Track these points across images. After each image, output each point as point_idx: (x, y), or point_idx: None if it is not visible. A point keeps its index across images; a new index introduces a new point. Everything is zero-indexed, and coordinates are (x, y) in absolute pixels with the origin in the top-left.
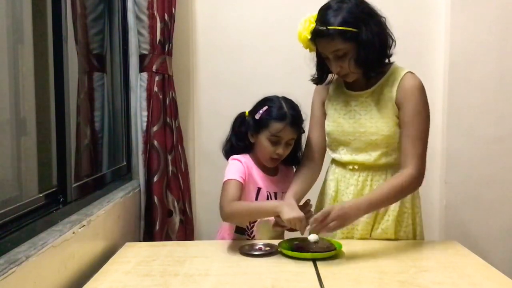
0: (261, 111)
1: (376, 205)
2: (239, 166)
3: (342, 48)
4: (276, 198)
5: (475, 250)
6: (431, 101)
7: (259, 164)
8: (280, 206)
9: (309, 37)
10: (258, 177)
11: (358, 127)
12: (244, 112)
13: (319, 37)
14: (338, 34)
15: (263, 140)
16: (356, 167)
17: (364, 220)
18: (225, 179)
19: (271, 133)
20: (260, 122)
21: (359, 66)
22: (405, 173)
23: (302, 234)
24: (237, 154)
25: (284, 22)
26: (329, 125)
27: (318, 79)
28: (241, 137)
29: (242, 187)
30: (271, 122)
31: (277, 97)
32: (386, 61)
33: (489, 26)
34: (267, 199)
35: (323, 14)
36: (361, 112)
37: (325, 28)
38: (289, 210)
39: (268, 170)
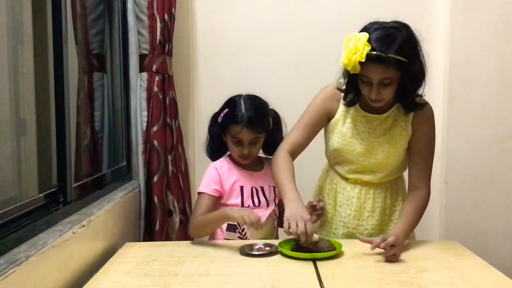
0: (222, 114)
1: (412, 228)
2: (213, 175)
3: (392, 77)
4: (263, 192)
5: (475, 250)
6: (431, 101)
7: (241, 163)
8: (226, 211)
9: (363, 60)
10: (240, 176)
11: (371, 150)
12: (216, 113)
13: (373, 62)
14: (394, 62)
15: (228, 141)
16: (358, 181)
17: (369, 232)
18: (199, 190)
19: (232, 135)
20: (222, 125)
21: (399, 97)
22: (421, 194)
23: (256, 228)
24: (218, 154)
25: (284, 22)
26: (338, 142)
27: (351, 102)
28: (216, 137)
29: (214, 199)
30: (230, 125)
31: (239, 97)
32: None
33: (489, 26)
34: (253, 194)
35: (377, 38)
36: (375, 135)
37: (384, 54)
38: (235, 211)
39: (252, 166)
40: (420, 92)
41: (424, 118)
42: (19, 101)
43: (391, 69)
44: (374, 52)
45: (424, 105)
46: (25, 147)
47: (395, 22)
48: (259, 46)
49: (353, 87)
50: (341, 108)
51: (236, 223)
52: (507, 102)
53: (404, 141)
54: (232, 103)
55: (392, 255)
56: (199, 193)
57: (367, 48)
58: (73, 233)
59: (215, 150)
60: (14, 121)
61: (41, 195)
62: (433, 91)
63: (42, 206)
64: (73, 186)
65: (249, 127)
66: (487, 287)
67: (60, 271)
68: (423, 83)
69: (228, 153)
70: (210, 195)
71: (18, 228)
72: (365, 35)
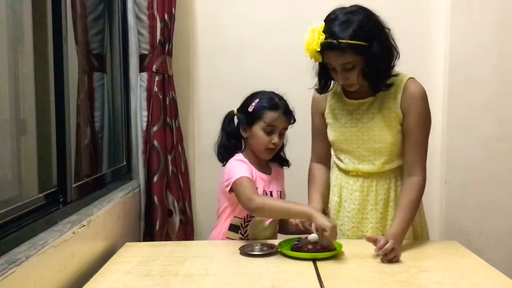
0: (253, 103)
1: (410, 223)
2: (246, 166)
3: (352, 61)
4: (272, 197)
5: (475, 250)
6: (431, 101)
7: (254, 163)
8: (313, 211)
9: (318, 49)
10: (257, 178)
11: (361, 135)
12: (232, 111)
13: (329, 49)
14: (349, 47)
15: (257, 131)
16: (359, 173)
17: (373, 226)
18: (235, 178)
19: (266, 122)
20: (254, 113)
21: (367, 79)
22: (416, 183)
23: (331, 243)
24: (231, 153)
25: (284, 22)
26: (331, 134)
27: (322, 89)
28: (232, 134)
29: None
30: (265, 111)
31: (264, 91)
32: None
33: (489, 26)
34: None
35: (332, 26)
36: (364, 120)
37: (336, 41)
38: (323, 217)
39: (264, 168)
40: (390, 72)
41: (412, 98)
42: (19, 101)
43: (347, 54)
44: (326, 40)
45: (391, 85)
46: (25, 147)
47: (353, 6)
48: (259, 46)
49: (323, 75)
50: (328, 102)
51: (239, 224)
52: (507, 102)
53: (394, 123)
54: (261, 94)
55: (393, 257)
56: (238, 179)
57: (322, 37)
58: (73, 233)
59: (230, 147)
60: (14, 121)
61: (41, 195)
62: (433, 91)
63: (42, 206)
64: (73, 186)
65: (285, 114)
66: (487, 287)
67: (60, 271)
68: (391, 63)
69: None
70: (251, 178)
71: (18, 228)
72: (321, 25)
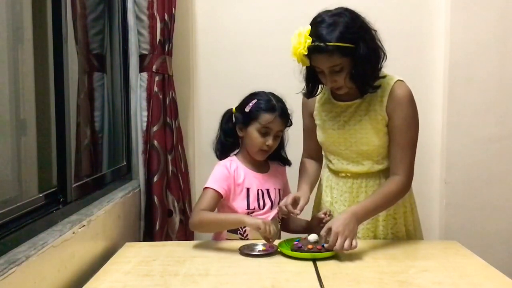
0: (250, 104)
1: (371, 214)
2: (224, 173)
3: (340, 64)
4: (269, 195)
5: (475, 250)
6: (431, 101)
7: (249, 163)
8: (243, 216)
9: (306, 53)
10: (248, 177)
11: (349, 138)
12: (230, 109)
13: (316, 52)
14: (336, 49)
15: (252, 132)
16: (349, 174)
17: (364, 227)
18: (206, 185)
19: (261, 124)
20: (250, 114)
21: (354, 81)
22: (396, 181)
23: (268, 240)
24: (228, 151)
25: (284, 22)
26: (320, 136)
27: (309, 93)
28: (229, 133)
29: (219, 197)
30: (261, 113)
31: (264, 91)
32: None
33: (489, 26)
34: (259, 197)
35: (318, 29)
36: (351, 123)
37: (323, 44)
38: (252, 219)
39: (259, 167)
40: (377, 73)
41: (398, 101)
42: (19, 101)
43: (335, 56)
44: (313, 44)
45: (378, 87)
46: (25, 147)
47: (338, 8)
48: (259, 46)
49: (311, 79)
50: (317, 104)
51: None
52: (507, 102)
53: (381, 125)
54: (259, 95)
55: (343, 241)
56: (205, 188)
57: (308, 41)
58: (73, 233)
59: (227, 146)
60: (14, 121)
61: (41, 195)
62: (433, 91)
63: (42, 206)
64: (73, 186)
65: (281, 117)
66: (487, 287)
67: (60, 271)
68: (378, 64)
69: (235, 152)
70: (217, 191)
71: (18, 228)
72: (307, 29)
